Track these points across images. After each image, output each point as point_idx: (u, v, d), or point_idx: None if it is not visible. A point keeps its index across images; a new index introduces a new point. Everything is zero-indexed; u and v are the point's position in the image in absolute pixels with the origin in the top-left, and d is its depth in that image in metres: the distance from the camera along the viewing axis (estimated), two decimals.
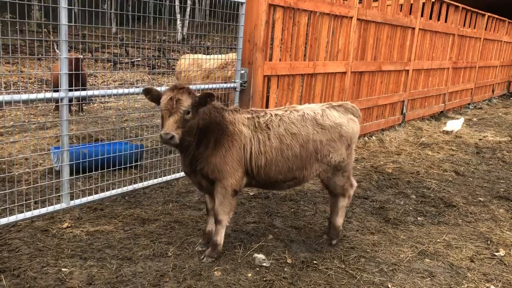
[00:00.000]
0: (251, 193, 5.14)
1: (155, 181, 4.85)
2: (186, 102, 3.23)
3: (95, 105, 10.50)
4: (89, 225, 4.08)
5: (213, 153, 3.46)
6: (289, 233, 4.17)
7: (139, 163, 5.61)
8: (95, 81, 14.39)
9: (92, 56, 16.27)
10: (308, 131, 3.64)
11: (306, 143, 3.63)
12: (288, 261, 3.65)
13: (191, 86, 5.05)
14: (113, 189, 4.61)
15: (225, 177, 3.50)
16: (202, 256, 3.61)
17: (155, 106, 9.95)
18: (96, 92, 4.30)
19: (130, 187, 4.62)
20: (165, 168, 5.26)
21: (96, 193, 4.46)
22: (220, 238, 3.61)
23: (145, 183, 4.78)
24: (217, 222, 3.59)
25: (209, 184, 3.60)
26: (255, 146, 3.53)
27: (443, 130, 9.21)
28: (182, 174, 5.14)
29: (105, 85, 14.15)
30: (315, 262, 3.65)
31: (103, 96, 4.41)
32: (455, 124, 9.19)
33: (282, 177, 3.67)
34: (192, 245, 3.82)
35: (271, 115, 3.68)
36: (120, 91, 4.34)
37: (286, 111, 3.75)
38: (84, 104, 9.83)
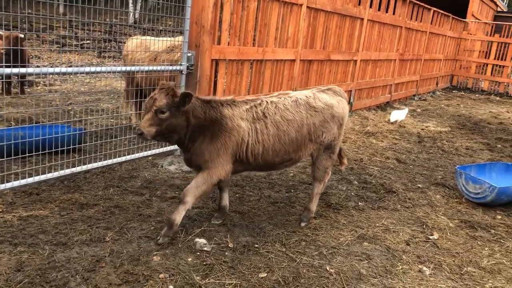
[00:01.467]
0: None
1: (95, 165, 4.67)
2: (160, 102, 3.41)
3: (38, 87, 10.02)
4: (23, 210, 3.89)
5: (208, 145, 3.61)
6: (233, 218, 4.16)
7: (80, 146, 5.40)
8: (40, 63, 13.75)
9: (38, 37, 15.52)
10: (302, 116, 3.86)
11: (301, 127, 3.86)
12: (229, 245, 3.64)
13: (133, 67, 4.92)
14: (50, 172, 4.41)
15: (215, 166, 3.62)
16: (158, 237, 3.59)
17: (102, 91, 9.67)
18: (36, 70, 4.05)
19: (68, 171, 4.43)
20: (108, 152, 5.09)
21: (32, 176, 4.25)
22: (179, 218, 3.60)
23: (86, 167, 4.61)
24: (182, 202, 3.58)
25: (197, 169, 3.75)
26: (252, 137, 3.69)
27: (388, 120, 9.49)
28: (125, 158, 5.00)
29: (50, 67, 13.54)
30: (256, 246, 3.66)
31: (44, 74, 4.17)
32: (399, 114, 9.49)
33: (279, 159, 3.90)
34: (131, 230, 3.73)
35: (267, 102, 3.84)
36: (63, 69, 4.12)
37: (280, 98, 3.93)
38: (26, 86, 9.37)
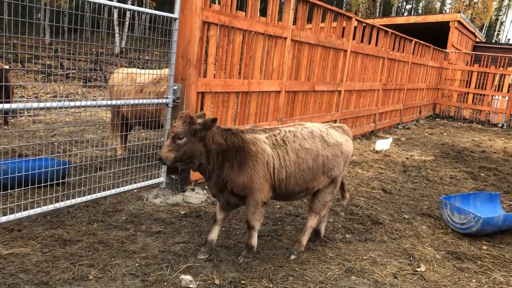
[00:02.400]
0: (182, 212, 5.04)
1: (79, 200, 4.60)
2: (178, 128, 3.63)
3: (22, 118, 9.94)
4: (3, 247, 3.79)
5: (240, 173, 3.80)
6: (219, 253, 4.10)
7: (64, 180, 5.32)
8: (25, 93, 13.66)
9: (23, 67, 15.47)
10: (317, 146, 4.05)
11: (317, 157, 4.03)
12: (216, 282, 3.58)
13: (119, 101, 4.92)
14: (33, 208, 4.31)
15: (254, 192, 3.84)
16: (240, 257, 3.98)
17: (88, 121, 9.62)
18: (20, 106, 4.00)
19: (51, 206, 4.35)
20: (93, 185, 5.02)
21: (14, 212, 4.16)
22: (254, 241, 4.01)
23: (69, 202, 4.53)
24: (250, 228, 3.97)
25: (239, 200, 3.95)
26: (276, 162, 3.87)
27: (373, 149, 9.58)
28: (109, 192, 4.94)
29: (36, 97, 13.47)
30: (243, 282, 3.61)
31: (29, 109, 4.12)
32: (383, 144, 9.59)
33: (298, 188, 4.06)
34: (115, 267, 3.65)
35: (285, 132, 4.04)
36: (48, 104, 4.09)
37: (297, 128, 4.13)
38: (10, 117, 9.28)
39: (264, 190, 3.87)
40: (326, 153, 4.09)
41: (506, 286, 4.01)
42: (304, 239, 4.26)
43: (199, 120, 3.67)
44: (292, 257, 4.15)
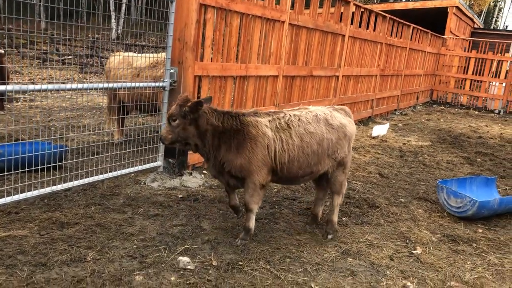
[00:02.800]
0: (180, 196, 5.04)
1: (76, 183, 4.60)
2: (171, 110, 3.83)
3: (18, 103, 9.89)
4: (1, 230, 3.79)
5: (237, 155, 3.84)
6: (217, 235, 4.12)
7: (61, 164, 5.31)
8: (21, 79, 13.58)
9: (19, 52, 15.34)
10: (322, 130, 4.06)
11: (322, 141, 4.04)
12: (213, 263, 3.60)
13: (116, 84, 4.90)
14: (30, 191, 4.32)
15: (252, 174, 3.88)
16: (237, 240, 4.02)
17: (84, 106, 9.58)
18: (16, 88, 3.97)
19: (49, 189, 4.35)
20: (90, 169, 5.02)
21: (11, 195, 4.16)
22: (252, 224, 4.06)
23: (67, 185, 4.53)
24: (248, 210, 4.01)
25: (238, 181, 4.01)
26: (278, 145, 3.88)
27: (370, 135, 9.59)
28: (107, 175, 4.94)
29: (31, 83, 13.39)
30: (240, 263, 3.63)
31: (24, 92, 4.09)
32: (381, 129, 9.60)
33: (302, 172, 4.07)
34: (113, 249, 3.66)
35: (290, 115, 4.04)
36: (44, 86, 4.06)
37: (301, 111, 4.13)
38: (6, 103, 9.23)
39: (263, 172, 3.89)
40: (331, 136, 4.10)
41: (501, 268, 4.05)
42: (335, 217, 4.41)
43: (189, 103, 3.76)
44: (329, 236, 4.31)
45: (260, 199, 4.05)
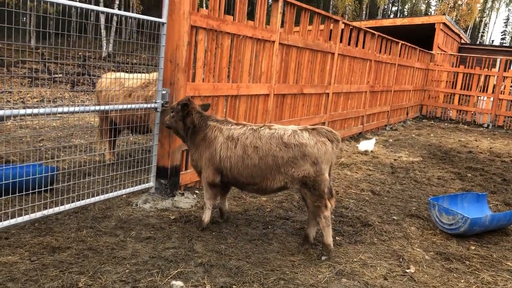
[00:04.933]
0: (172, 217, 5.02)
1: (67, 206, 4.56)
2: (172, 105, 4.87)
3: (8, 123, 9.82)
4: None
5: (196, 150, 4.64)
6: (210, 258, 4.09)
7: (52, 187, 5.27)
8: (11, 98, 13.50)
9: (9, 71, 15.28)
10: (270, 147, 4.26)
11: (265, 156, 4.26)
12: (207, 287, 3.57)
13: (108, 107, 4.90)
14: (21, 215, 4.27)
15: (202, 170, 4.63)
16: (198, 226, 4.71)
17: (74, 126, 9.53)
18: (7, 113, 3.93)
19: (40, 214, 4.30)
20: (81, 192, 4.98)
21: (0, 220, 4.10)
22: (205, 216, 4.72)
23: (58, 209, 4.48)
24: (203, 203, 4.80)
25: (200, 177, 4.80)
26: (223, 151, 4.41)
27: (358, 150, 9.67)
28: (99, 198, 4.90)
29: (22, 102, 13.31)
30: (234, 287, 3.60)
31: (16, 116, 4.03)
32: (367, 144, 9.68)
33: (244, 180, 4.42)
34: (106, 274, 3.62)
35: (247, 128, 4.45)
36: (35, 110, 4.02)
37: (261, 128, 4.43)
38: None
39: (209, 171, 4.53)
40: (281, 154, 4.22)
41: (494, 286, 4.06)
42: (326, 240, 4.31)
43: (180, 104, 4.64)
44: (323, 258, 4.29)
45: (211, 197, 4.69)
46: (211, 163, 4.48)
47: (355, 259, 4.37)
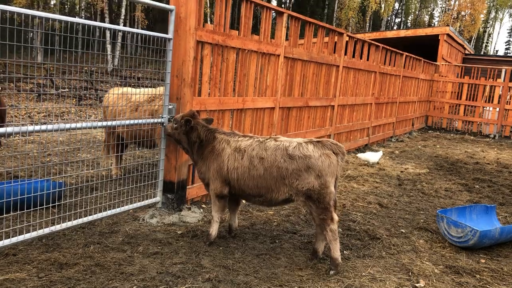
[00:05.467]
0: (179, 232, 5.00)
1: (75, 222, 4.56)
2: (176, 117, 4.89)
3: (15, 138, 9.88)
4: None
5: (203, 162, 4.70)
6: (217, 273, 4.07)
7: (60, 202, 5.28)
8: (17, 113, 13.62)
9: (14, 86, 15.43)
10: (275, 158, 4.30)
11: (270, 167, 4.30)
12: None
13: (114, 122, 4.93)
14: (28, 231, 4.27)
15: (210, 182, 4.67)
16: (205, 240, 4.72)
17: (80, 140, 9.59)
18: (16, 130, 3.95)
19: (47, 230, 4.31)
20: (88, 207, 4.99)
21: (9, 237, 4.11)
22: (212, 230, 4.73)
23: (65, 225, 4.48)
24: (211, 216, 4.77)
25: (208, 189, 4.82)
26: (231, 162, 4.46)
27: (366, 162, 9.64)
28: (105, 213, 4.91)
29: (28, 117, 13.42)
30: None
31: (23, 132, 4.06)
32: (370, 156, 9.65)
33: (250, 191, 4.46)
34: None
35: (254, 140, 4.51)
36: (43, 127, 4.05)
37: (268, 139, 4.49)
38: (2, 138, 9.23)
39: (216, 183, 4.57)
40: (286, 166, 4.25)
41: None
42: (333, 254, 4.28)
43: (184, 119, 4.69)
44: (332, 272, 4.25)
45: (219, 209, 4.69)
46: (219, 175, 4.53)
47: (363, 273, 4.32)
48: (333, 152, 4.29)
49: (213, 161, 4.58)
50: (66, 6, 47.03)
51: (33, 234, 4.18)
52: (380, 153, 9.94)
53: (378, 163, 9.72)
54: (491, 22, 64.77)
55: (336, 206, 4.46)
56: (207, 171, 4.66)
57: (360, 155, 9.77)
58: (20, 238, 4.06)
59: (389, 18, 59.06)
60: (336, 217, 4.30)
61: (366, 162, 9.59)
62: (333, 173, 4.27)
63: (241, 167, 4.40)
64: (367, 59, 11.31)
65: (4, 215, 4.57)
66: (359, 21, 49.09)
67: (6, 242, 3.97)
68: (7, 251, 4.13)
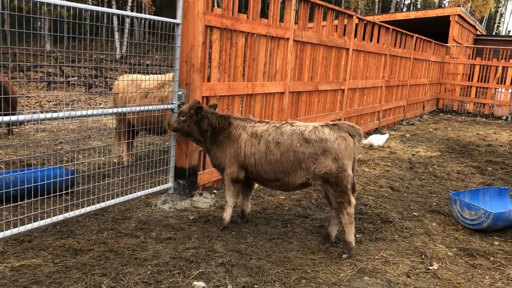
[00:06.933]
0: (191, 217, 5.03)
1: (88, 209, 4.59)
2: (182, 108, 4.80)
3: (26, 127, 9.96)
4: (15, 259, 3.79)
5: (218, 148, 4.70)
6: (230, 258, 4.08)
7: (72, 189, 5.32)
8: (28, 102, 13.70)
9: (24, 75, 15.50)
10: (291, 142, 4.31)
11: (287, 151, 4.31)
12: (228, 287, 3.56)
13: (125, 109, 4.93)
14: (42, 218, 4.31)
15: (225, 167, 4.67)
16: (219, 225, 4.74)
17: (92, 128, 9.64)
18: (27, 117, 3.98)
19: (61, 217, 4.35)
20: (100, 194, 5.03)
21: (24, 224, 4.16)
22: (226, 214, 4.75)
23: (78, 212, 4.52)
24: (225, 201, 4.78)
25: (223, 174, 4.82)
26: (248, 147, 4.49)
27: (366, 144, 9.59)
28: (118, 200, 4.94)
29: (38, 105, 13.51)
30: (256, 286, 3.59)
31: (35, 120, 4.08)
32: (374, 139, 9.58)
33: (267, 176, 4.48)
34: (128, 275, 3.64)
35: (270, 125, 4.53)
36: (55, 115, 4.08)
37: (283, 124, 4.50)
38: (14, 127, 9.30)
39: (233, 167, 4.59)
40: (302, 149, 4.25)
41: None
42: (348, 237, 4.28)
43: (194, 108, 4.64)
44: (344, 256, 4.24)
45: (234, 193, 4.71)
46: (236, 160, 4.55)
47: (376, 257, 4.32)
48: (350, 135, 4.27)
49: (229, 146, 4.59)
50: None
51: (48, 221, 4.23)
52: (385, 136, 9.86)
53: (383, 146, 9.63)
54: (503, 2, 63.49)
55: (355, 189, 4.46)
56: (222, 157, 4.65)
57: (367, 140, 9.69)
58: (35, 225, 4.11)
59: (398, 0, 58.15)
60: (353, 201, 4.31)
61: (370, 146, 9.53)
62: (350, 155, 4.25)
63: (258, 152, 4.42)
64: (377, 42, 11.16)
65: (19, 203, 4.61)
66: (368, 4, 48.40)
67: (22, 229, 4.01)
68: (23, 238, 4.18)
